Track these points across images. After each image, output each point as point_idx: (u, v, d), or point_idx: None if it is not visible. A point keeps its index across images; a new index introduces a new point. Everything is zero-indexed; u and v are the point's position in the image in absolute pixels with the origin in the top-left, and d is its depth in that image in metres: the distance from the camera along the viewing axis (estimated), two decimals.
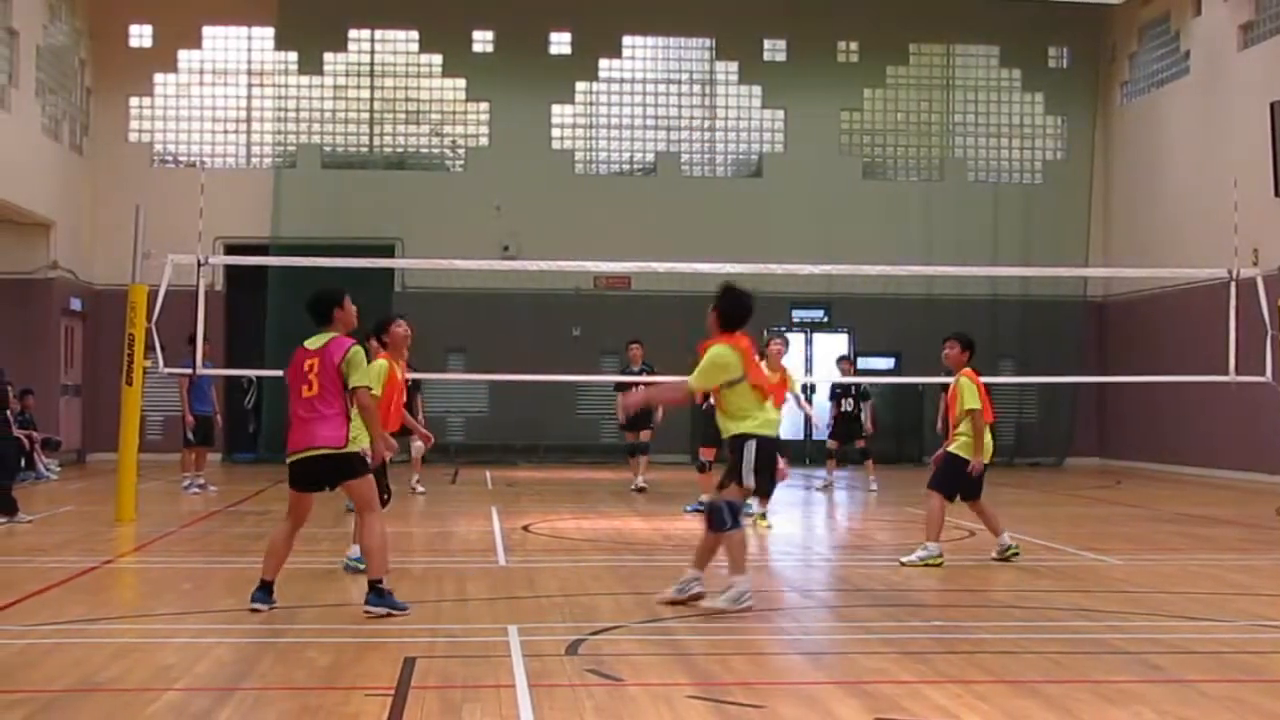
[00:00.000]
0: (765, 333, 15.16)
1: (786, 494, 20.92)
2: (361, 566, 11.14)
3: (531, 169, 28.51)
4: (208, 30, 28.74)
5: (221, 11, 28.69)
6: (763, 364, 15.19)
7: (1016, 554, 11.98)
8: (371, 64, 29.19)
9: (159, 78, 28.61)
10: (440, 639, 8.31)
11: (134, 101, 28.52)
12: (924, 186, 29.87)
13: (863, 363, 28.54)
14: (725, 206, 28.66)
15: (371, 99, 29.13)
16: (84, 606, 9.50)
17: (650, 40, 29.67)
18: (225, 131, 28.90)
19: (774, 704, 6.67)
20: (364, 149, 29.25)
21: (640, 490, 19.56)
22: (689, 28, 29.58)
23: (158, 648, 8.04)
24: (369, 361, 11.50)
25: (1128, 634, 8.63)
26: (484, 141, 29.17)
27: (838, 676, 7.39)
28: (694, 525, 14.90)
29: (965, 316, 26.54)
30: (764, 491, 9.97)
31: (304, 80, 28.93)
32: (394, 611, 8.93)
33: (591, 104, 29.47)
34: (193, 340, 18.65)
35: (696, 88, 29.76)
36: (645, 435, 19.97)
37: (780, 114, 29.67)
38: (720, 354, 9.39)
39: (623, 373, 20.53)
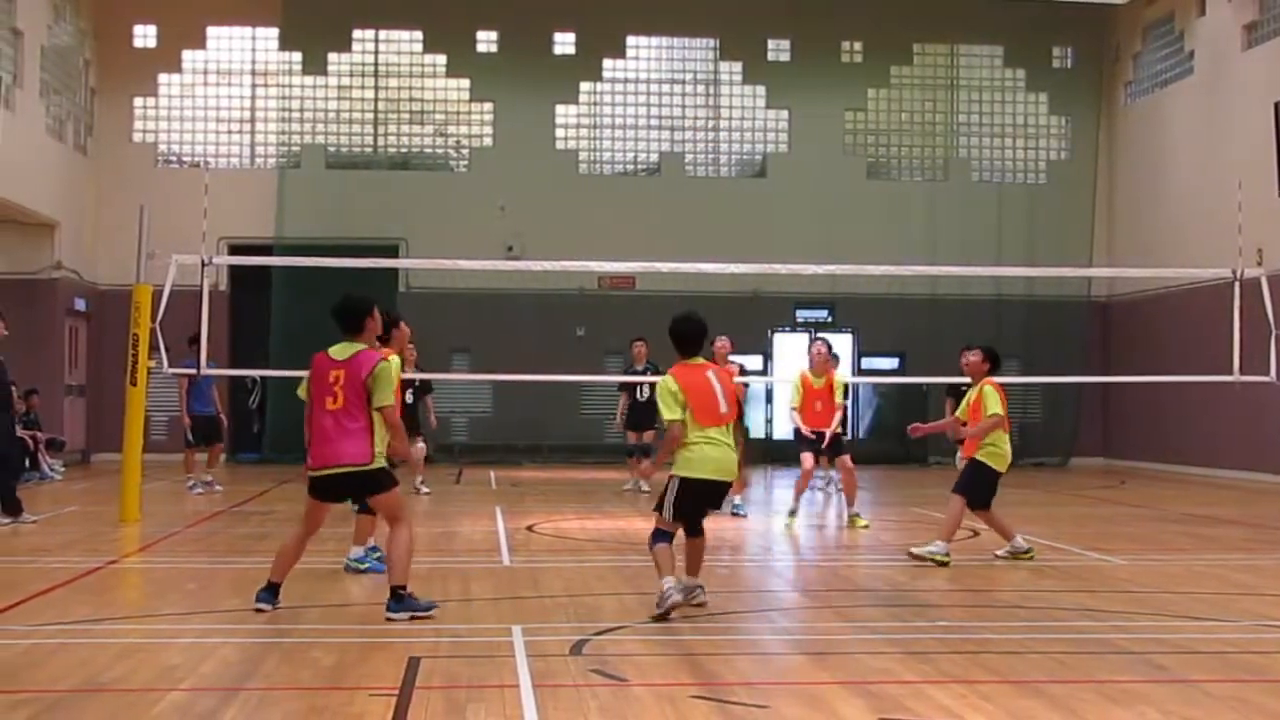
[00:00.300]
0: (769, 331, 15.17)
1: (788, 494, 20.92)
2: (362, 567, 11.25)
3: (535, 169, 28.51)
4: (212, 30, 28.75)
5: (225, 12, 28.70)
6: (806, 371, 15.29)
7: (1031, 556, 11.98)
8: (376, 64, 29.20)
9: (163, 78, 28.63)
10: (444, 639, 8.31)
11: (138, 102, 28.54)
12: (928, 186, 29.86)
13: (867, 363, 28.60)
14: (729, 206, 28.66)
15: (376, 99, 29.14)
16: (89, 607, 9.51)
17: (654, 40, 29.67)
18: (229, 132, 28.92)
19: (778, 704, 6.67)
20: (368, 149, 29.26)
21: (643, 491, 19.57)
22: (693, 28, 29.58)
23: (162, 648, 8.05)
24: None
25: (1132, 634, 8.63)
26: (488, 141, 29.18)
27: (842, 676, 7.39)
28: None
29: (969, 317, 26.63)
30: (692, 522, 9.40)
31: (308, 80, 28.94)
32: (417, 614, 8.84)
33: (595, 104, 29.48)
34: (194, 341, 18.67)
35: (700, 88, 29.76)
36: (648, 436, 19.99)
37: (784, 114, 29.66)
38: (664, 384, 9.29)
39: (626, 371, 20.52)
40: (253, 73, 28.92)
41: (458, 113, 29.29)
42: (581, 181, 29.12)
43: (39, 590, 10.05)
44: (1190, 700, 6.78)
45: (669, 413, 9.19)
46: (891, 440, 27.48)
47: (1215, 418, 24.63)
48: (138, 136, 28.56)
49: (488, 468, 24.41)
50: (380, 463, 8.99)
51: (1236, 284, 16.59)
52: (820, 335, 15.97)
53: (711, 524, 9.18)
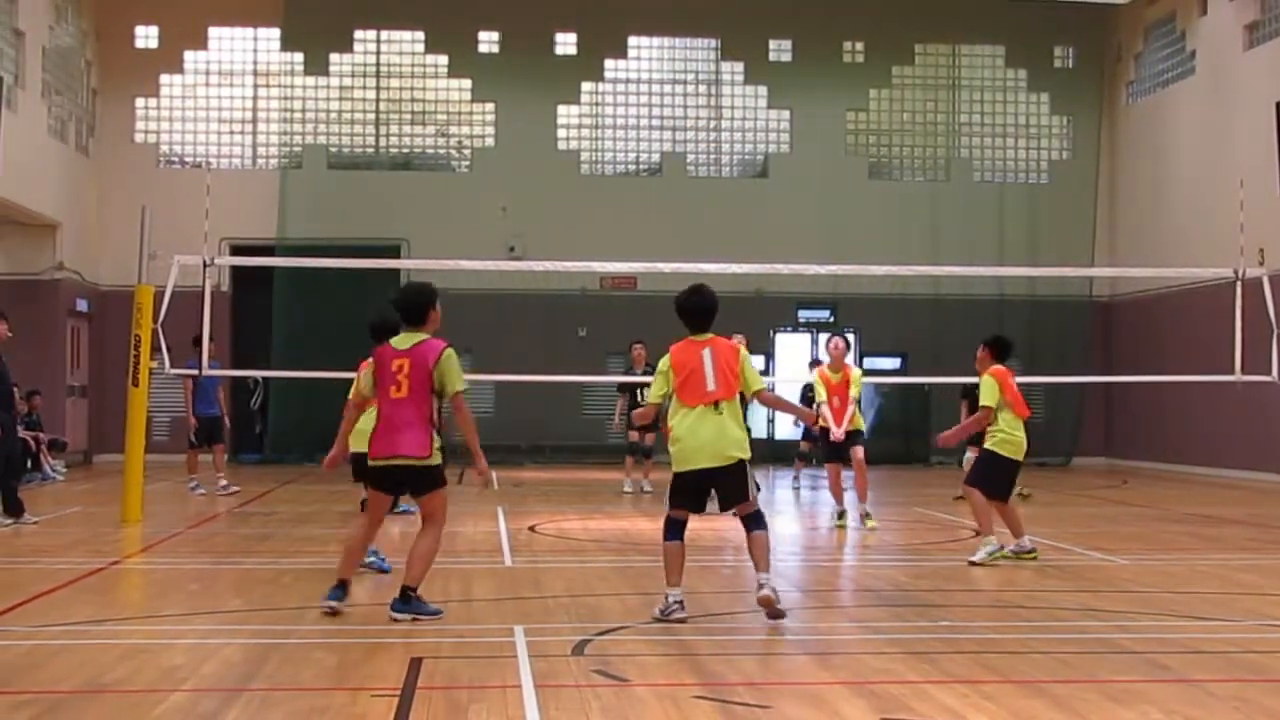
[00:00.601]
0: (771, 331, 15.16)
1: (787, 494, 20.94)
2: (384, 566, 11.27)
3: (537, 169, 28.52)
4: (213, 31, 28.77)
5: (227, 12, 28.71)
6: (824, 367, 15.27)
7: (1034, 556, 11.95)
8: (377, 65, 29.21)
9: (165, 79, 28.64)
10: (447, 640, 8.31)
11: (140, 102, 28.56)
12: (930, 187, 29.86)
13: (869, 363, 28.57)
14: (731, 207, 28.66)
15: (377, 100, 29.15)
16: (91, 608, 9.51)
17: (655, 41, 29.67)
18: (231, 132, 28.93)
19: (780, 704, 6.67)
20: (370, 150, 29.27)
21: (646, 492, 19.59)
22: (694, 28, 29.57)
23: (165, 649, 8.05)
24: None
25: (1135, 634, 8.62)
26: (490, 142, 29.18)
27: (844, 676, 7.38)
28: (696, 526, 14.90)
29: (971, 316, 26.58)
30: (700, 510, 9.14)
31: (310, 81, 28.95)
32: (420, 617, 8.79)
33: (597, 104, 29.48)
34: (198, 341, 18.65)
35: (702, 88, 29.76)
36: (650, 438, 20.00)
37: (786, 114, 29.66)
38: (661, 362, 9.14)
39: (626, 373, 20.52)
40: (254, 73, 28.94)
41: (459, 113, 29.30)
42: (583, 182, 29.12)
43: (41, 591, 10.06)
44: (1193, 700, 6.77)
45: (653, 392, 9.09)
46: (894, 440, 27.50)
47: (1217, 417, 24.63)
48: (139, 137, 28.58)
49: (489, 468, 24.34)
50: (438, 459, 8.89)
51: (1238, 284, 16.60)
52: (839, 333, 16.01)
53: (714, 524, 9.13)
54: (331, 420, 12.33)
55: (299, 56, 28.90)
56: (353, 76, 29.14)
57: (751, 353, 9.75)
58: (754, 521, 8.92)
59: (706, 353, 8.93)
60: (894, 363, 29.04)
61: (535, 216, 28.04)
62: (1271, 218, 21.90)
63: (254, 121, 29.00)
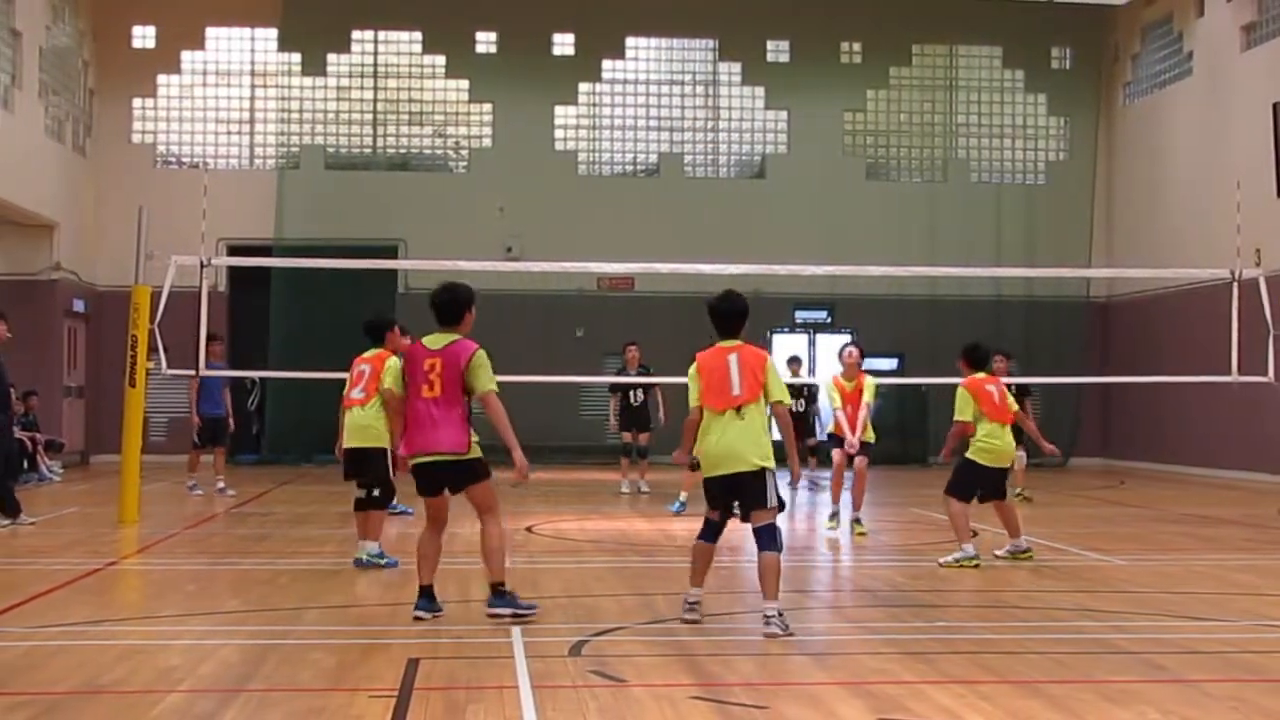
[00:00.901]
0: (768, 332, 15.14)
1: (785, 493, 20.93)
2: (381, 563, 11.33)
3: (535, 170, 28.52)
4: (211, 31, 28.76)
5: (224, 12, 28.71)
6: (838, 375, 15.23)
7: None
8: (375, 65, 29.20)
9: (162, 79, 28.64)
10: (444, 640, 8.32)
11: (137, 103, 28.55)
12: (927, 187, 29.87)
13: (866, 364, 28.46)
14: (728, 207, 28.66)
15: (375, 100, 29.15)
16: (88, 608, 9.50)
17: (653, 41, 29.67)
18: (228, 132, 28.93)
19: (777, 704, 6.67)
20: (367, 150, 29.26)
21: (642, 493, 19.60)
22: (692, 29, 29.58)
23: (162, 650, 8.04)
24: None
25: (1131, 634, 8.63)
26: (487, 143, 29.18)
27: (841, 677, 7.39)
28: (696, 526, 14.89)
29: (969, 317, 26.60)
30: (736, 515, 8.90)
31: (307, 81, 28.95)
32: (520, 612, 8.74)
33: (595, 105, 29.48)
34: (209, 341, 18.64)
35: (699, 88, 29.76)
36: (644, 438, 20.01)
37: (783, 115, 29.67)
38: (691, 369, 9.09)
39: (619, 374, 20.54)
40: (252, 73, 28.93)
41: (457, 114, 29.30)
42: (581, 182, 29.13)
43: (38, 592, 10.05)
44: (1189, 700, 6.78)
45: (692, 397, 8.99)
46: (891, 440, 27.47)
47: (1214, 418, 24.65)
48: (137, 137, 28.56)
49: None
50: (477, 452, 8.86)
51: (1235, 284, 16.60)
52: (853, 342, 15.97)
53: (694, 524, 9.10)
54: (329, 421, 12.36)
55: (296, 57, 28.90)
56: (350, 77, 29.14)
57: None
58: (767, 539, 8.63)
59: (733, 358, 8.84)
60: (891, 363, 29.03)
61: (533, 217, 28.04)
62: (1268, 219, 21.92)
63: (251, 122, 28.99)
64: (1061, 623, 9.18)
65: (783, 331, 28.95)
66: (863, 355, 15.38)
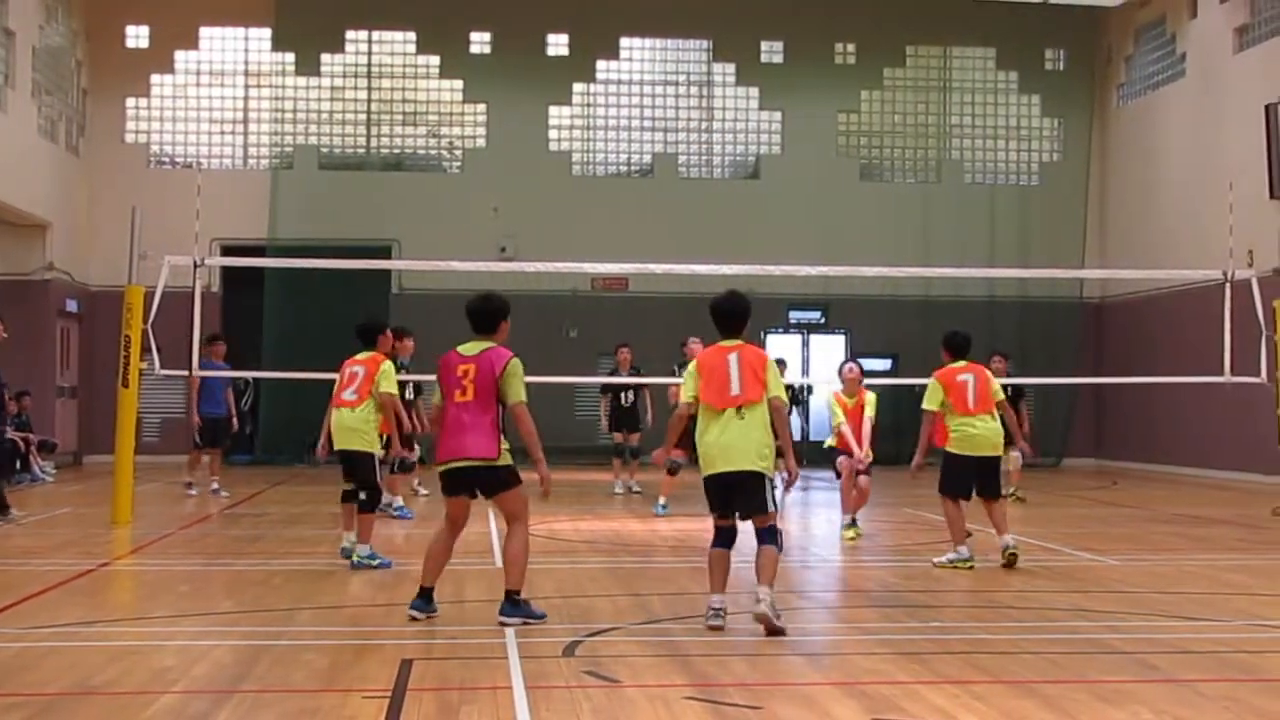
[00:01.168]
0: (762, 332, 15.07)
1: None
2: (373, 564, 11.34)
3: (529, 170, 28.52)
4: (204, 31, 28.74)
5: (218, 12, 28.68)
6: (839, 391, 15.15)
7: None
8: (369, 65, 29.19)
9: (155, 78, 28.61)
10: (437, 641, 8.32)
11: (130, 102, 28.52)
12: (921, 188, 29.89)
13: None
14: (722, 208, 28.66)
15: (369, 100, 29.14)
16: (81, 609, 9.49)
17: (647, 42, 29.68)
18: (222, 132, 28.90)
19: (771, 705, 6.67)
20: (361, 150, 29.25)
21: (635, 492, 19.61)
22: (686, 29, 29.59)
23: (155, 650, 8.03)
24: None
25: (1125, 634, 8.64)
26: (481, 143, 29.18)
27: (835, 677, 7.39)
28: (689, 526, 14.91)
29: (962, 318, 26.41)
30: (735, 514, 8.89)
31: (301, 81, 28.92)
32: (530, 620, 8.70)
33: (589, 105, 29.48)
34: (212, 341, 18.62)
35: (694, 89, 29.77)
36: (635, 439, 20.03)
37: (777, 115, 29.68)
38: (690, 365, 9.15)
39: (611, 375, 20.55)
40: (245, 73, 28.90)
41: (451, 114, 29.29)
42: (575, 183, 29.13)
43: (31, 593, 10.04)
44: (1183, 700, 6.78)
45: (684, 394, 9.05)
46: (884, 441, 27.43)
47: (1206, 418, 24.68)
48: (130, 137, 28.53)
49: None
50: (507, 459, 8.85)
51: (1227, 285, 16.64)
52: (855, 359, 15.91)
53: (709, 524, 9.10)
54: (323, 421, 12.34)
55: (290, 56, 28.88)
56: (344, 77, 29.12)
57: None
58: (767, 535, 8.72)
59: (733, 357, 8.85)
60: (885, 364, 29.03)
61: (527, 217, 28.03)
62: (1261, 220, 21.95)
63: (245, 122, 28.97)
64: (1055, 623, 9.19)
65: (777, 332, 28.95)
66: (863, 373, 15.27)
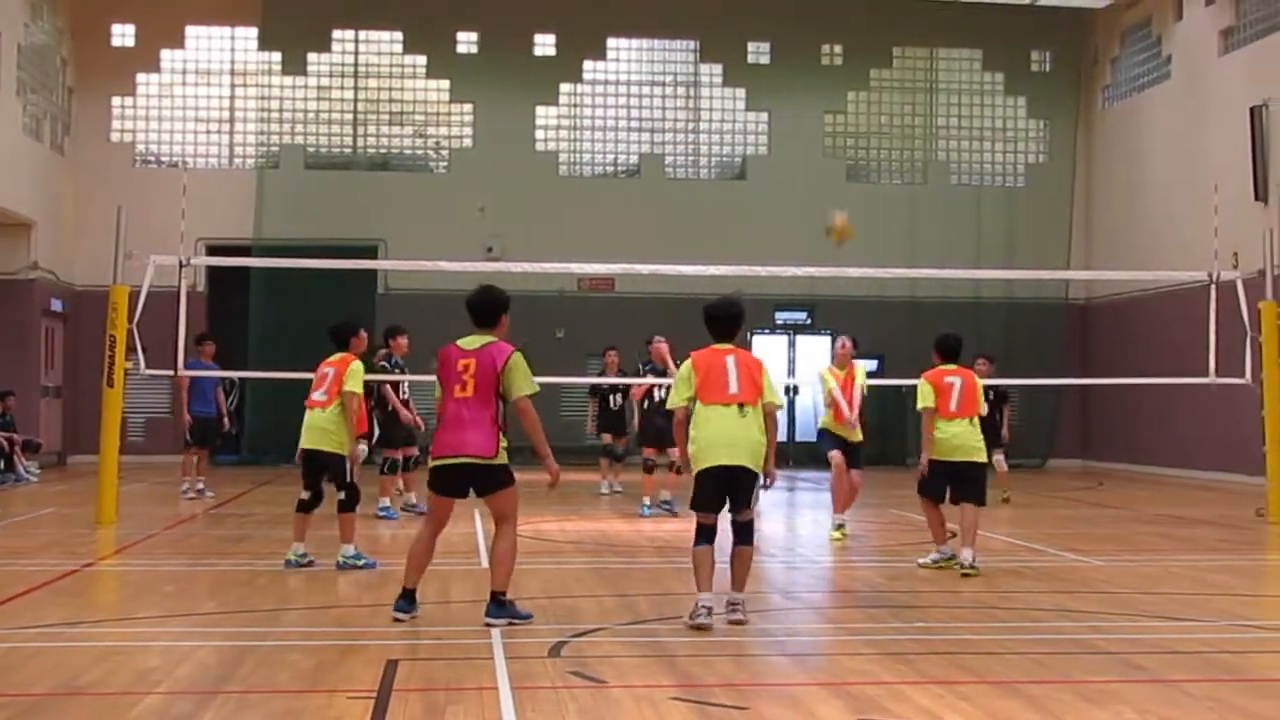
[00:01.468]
0: (749, 333, 15.02)
1: (766, 495, 20.94)
2: (359, 564, 11.32)
3: (515, 170, 28.51)
4: (190, 30, 28.68)
5: (204, 11, 28.63)
6: (831, 365, 15.13)
7: (972, 574, 11.45)
8: (355, 65, 29.15)
9: (141, 77, 28.54)
10: (423, 641, 8.31)
11: (116, 101, 28.45)
12: (907, 189, 29.94)
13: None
14: (709, 208, 28.68)
15: (355, 100, 29.10)
16: (65, 610, 9.46)
17: (634, 42, 29.68)
18: (208, 132, 28.84)
19: (757, 705, 6.68)
20: (347, 150, 29.21)
21: (618, 492, 19.63)
22: (673, 30, 29.60)
23: (140, 651, 8.01)
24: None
25: (1109, 634, 8.66)
26: (468, 143, 29.16)
27: (821, 678, 7.40)
28: (674, 527, 14.91)
29: (948, 319, 26.52)
30: (721, 509, 9.00)
31: (287, 80, 28.88)
32: (516, 622, 8.68)
33: (575, 106, 29.48)
34: (201, 340, 18.57)
35: (680, 90, 29.78)
36: (622, 441, 20.03)
37: (764, 116, 29.71)
38: (681, 368, 9.19)
39: (599, 377, 20.55)
40: (232, 73, 28.85)
41: (437, 114, 29.27)
42: (561, 183, 29.12)
43: (15, 593, 10.01)
44: (1167, 700, 6.80)
45: (676, 396, 9.08)
46: (871, 442, 27.48)
47: (1191, 419, 24.75)
48: (115, 136, 28.46)
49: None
50: (504, 458, 8.80)
51: (1212, 287, 16.70)
52: (846, 335, 15.79)
53: (690, 525, 9.11)
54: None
55: (277, 56, 28.83)
56: (330, 76, 29.08)
57: None
58: (744, 534, 8.92)
59: (730, 359, 9.00)
60: (871, 364, 28.99)
61: (513, 217, 28.02)
62: (1245, 222, 22.01)
63: (231, 121, 28.92)
64: (1040, 623, 9.21)
65: (763, 333, 28.97)
66: (855, 346, 15.26)
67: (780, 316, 29.15)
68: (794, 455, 27.30)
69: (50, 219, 26.23)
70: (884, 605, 9.90)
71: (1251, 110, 23.17)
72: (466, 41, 29.17)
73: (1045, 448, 29.15)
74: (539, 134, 29.28)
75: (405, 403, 16.45)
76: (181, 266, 15.59)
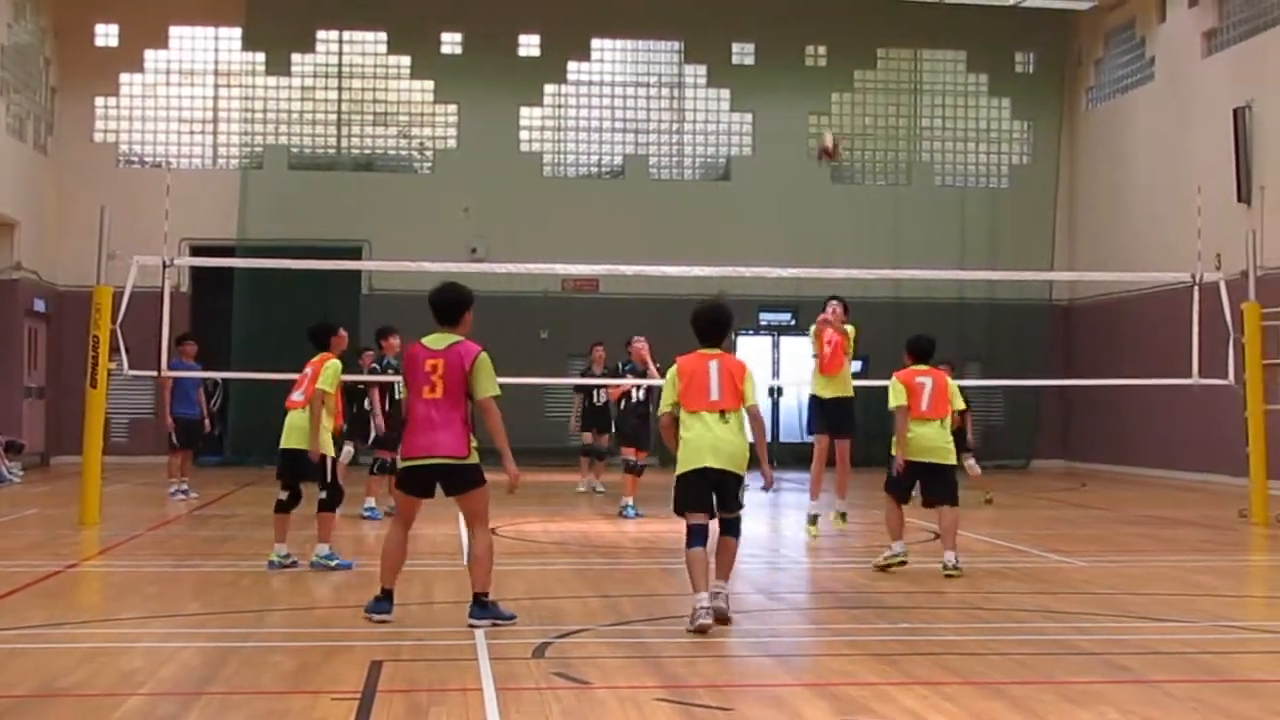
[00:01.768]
0: (733, 334, 14.99)
1: (750, 496, 20.95)
2: (331, 565, 11.32)
3: (500, 171, 28.48)
4: (174, 30, 28.60)
5: (188, 11, 28.55)
6: (828, 331, 15.07)
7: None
8: (339, 65, 29.10)
9: (125, 77, 28.45)
10: (407, 642, 8.30)
11: (99, 101, 28.35)
12: (891, 190, 29.97)
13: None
14: (693, 209, 28.68)
15: (339, 100, 29.04)
16: (48, 611, 9.43)
17: (619, 43, 29.67)
18: (191, 132, 28.76)
19: (741, 706, 6.69)
20: (331, 150, 29.15)
21: (598, 492, 19.63)
22: (657, 30, 29.59)
23: (123, 652, 7.99)
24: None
25: (1092, 635, 8.68)
26: (452, 143, 29.12)
27: (805, 679, 7.41)
28: (658, 528, 14.91)
29: (932, 320, 26.60)
30: (710, 510, 9.05)
31: (271, 81, 28.81)
32: (500, 623, 8.67)
33: (560, 106, 29.47)
34: (182, 341, 18.51)
35: (665, 90, 29.78)
36: (605, 439, 20.03)
37: (748, 117, 29.72)
38: (668, 373, 9.27)
39: (584, 374, 20.54)
40: (215, 73, 28.77)
41: (422, 114, 29.22)
42: (546, 184, 29.10)
43: None
44: (1150, 700, 6.82)
45: (664, 400, 9.15)
46: (855, 442, 27.53)
47: (1174, 420, 24.82)
48: (99, 136, 28.37)
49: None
50: (475, 458, 8.81)
51: (1195, 288, 16.74)
52: (836, 297, 15.66)
53: (677, 526, 9.12)
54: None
55: (260, 56, 28.76)
56: (314, 77, 29.02)
57: None
58: (731, 527, 9.06)
59: (714, 364, 9.06)
60: (855, 366, 29.05)
61: (497, 218, 28.00)
62: (1228, 223, 22.07)
63: (215, 121, 28.84)
64: (1023, 624, 9.23)
65: (747, 334, 28.99)
66: (846, 310, 15.15)
67: (764, 317, 29.16)
68: (779, 456, 27.28)
69: (33, 219, 26.14)
70: (868, 606, 9.92)
71: (1234, 112, 23.26)
72: (451, 42, 29.14)
73: (1028, 448, 29.21)
74: (523, 135, 29.26)
75: (399, 403, 16.42)
76: (165, 267, 15.55)
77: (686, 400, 9.00)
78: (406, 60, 29.08)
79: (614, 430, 18.21)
